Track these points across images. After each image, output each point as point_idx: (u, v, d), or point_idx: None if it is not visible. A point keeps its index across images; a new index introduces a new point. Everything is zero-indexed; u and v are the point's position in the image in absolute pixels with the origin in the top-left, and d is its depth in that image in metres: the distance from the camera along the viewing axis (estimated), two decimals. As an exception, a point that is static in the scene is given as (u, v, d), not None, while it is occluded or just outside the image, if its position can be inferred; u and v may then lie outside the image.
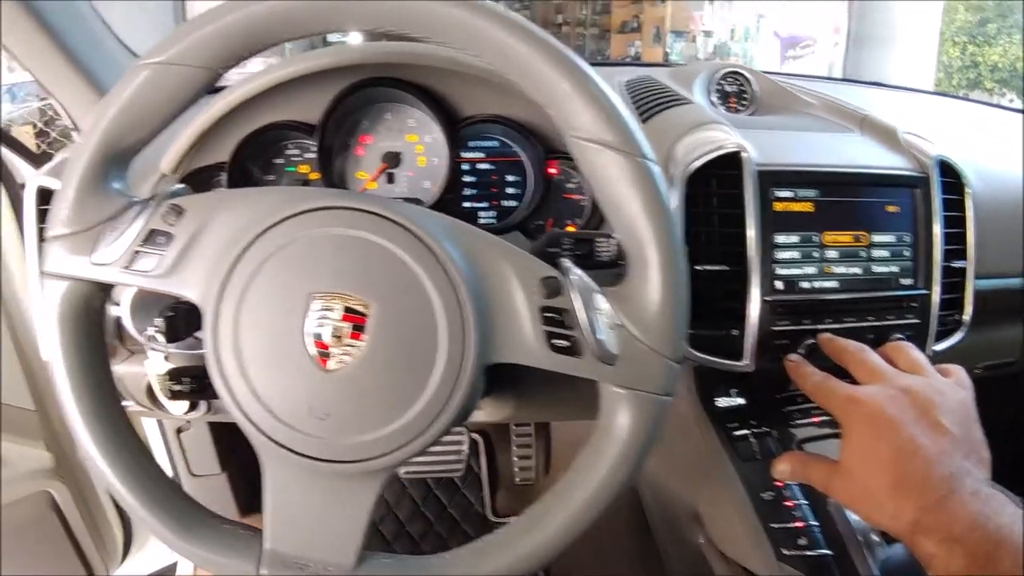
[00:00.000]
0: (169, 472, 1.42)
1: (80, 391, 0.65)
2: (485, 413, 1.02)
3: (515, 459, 1.80)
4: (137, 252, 0.62)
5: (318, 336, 0.59)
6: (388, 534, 1.73)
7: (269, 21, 0.60)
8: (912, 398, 0.72)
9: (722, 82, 1.21)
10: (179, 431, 1.40)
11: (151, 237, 0.63)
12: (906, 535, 0.67)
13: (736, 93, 1.21)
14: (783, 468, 0.80)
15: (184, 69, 0.61)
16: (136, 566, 1.67)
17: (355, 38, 1.48)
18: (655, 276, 0.61)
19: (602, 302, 0.61)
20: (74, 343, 0.65)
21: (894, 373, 0.76)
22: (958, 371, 0.80)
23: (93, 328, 0.67)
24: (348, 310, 0.59)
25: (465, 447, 1.67)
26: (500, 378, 0.98)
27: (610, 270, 0.68)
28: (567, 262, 0.63)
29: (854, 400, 0.73)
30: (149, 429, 1.43)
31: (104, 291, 0.67)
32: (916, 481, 0.66)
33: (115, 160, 0.64)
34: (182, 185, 0.69)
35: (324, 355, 0.59)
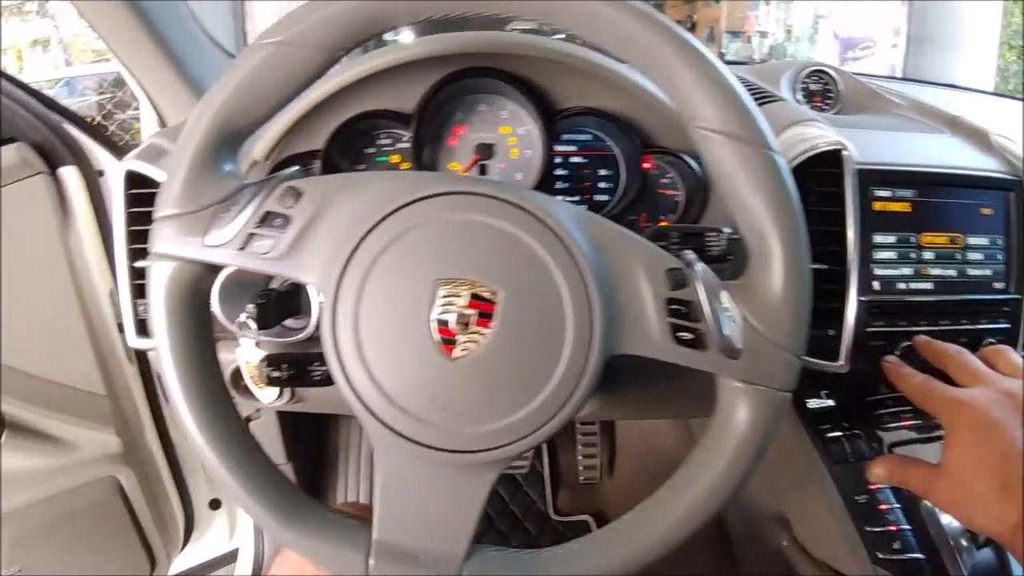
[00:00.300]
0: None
1: (186, 374, 0.64)
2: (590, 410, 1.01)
3: (580, 458, 1.79)
4: (252, 234, 0.62)
5: (443, 323, 0.58)
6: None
7: (392, 4, 0.60)
8: (1016, 402, 0.71)
9: (807, 80, 1.20)
10: (247, 420, 1.41)
11: (267, 219, 0.62)
12: (1009, 538, 0.66)
13: (821, 92, 1.20)
14: (879, 472, 0.79)
15: (303, 51, 0.61)
16: (196, 553, 1.68)
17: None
18: (778, 270, 0.60)
19: (724, 294, 0.60)
20: (181, 325, 0.64)
21: (996, 377, 0.75)
22: None
23: (200, 310, 0.66)
24: (475, 297, 0.58)
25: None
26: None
27: (722, 264, 0.67)
28: (691, 255, 0.62)
29: (959, 402, 0.72)
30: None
31: (213, 273, 0.66)
32: (1020, 484, 0.66)
33: (228, 141, 0.64)
34: (296, 168, 0.69)
35: (449, 342, 0.58)
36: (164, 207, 0.63)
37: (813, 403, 0.94)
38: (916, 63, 2.04)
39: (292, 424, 1.46)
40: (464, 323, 0.58)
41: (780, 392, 0.61)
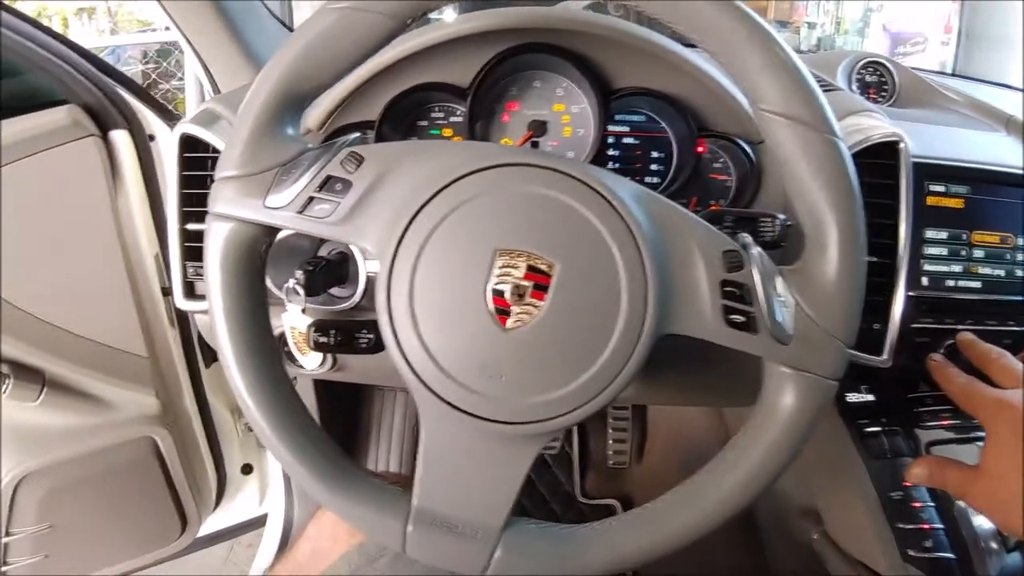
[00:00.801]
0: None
1: (239, 335, 0.65)
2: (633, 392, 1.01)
3: (610, 442, 1.80)
4: (312, 198, 0.62)
5: (499, 293, 0.59)
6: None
7: None
8: None
9: (863, 71, 1.18)
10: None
11: (328, 183, 0.63)
12: None
13: (876, 84, 1.19)
14: (919, 472, 0.78)
15: (372, 16, 0.61)
16: (227, 516, 1.71)
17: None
18: (834, 257, 0.60)
19: (779, 279, 0.60)
20: (236, 286, 0.65)
21: None
22: None
23: (256, 272, 0.67)
24: (531, 268, 0.59)
25: (563, 425, 1.67)
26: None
27: (775, 251, 0.67)
28: (747, 238, 0.62)
29: (1000, 404, 0.72)
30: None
31: (271, 236, 0.67)
32: None
33: (292, 105, 0.64)
34: (358, 134, 0.69)
35: (503, 313, 0.59)
36: (225, 168, 0.63)
37: (853, 397, 0.93)
38: (968, 60, 2.01)
39: (327, 394, 1.47)
40: (519, 294, 0.59)
41: (828, 380, 0.61)
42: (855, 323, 0.61)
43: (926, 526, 0.83)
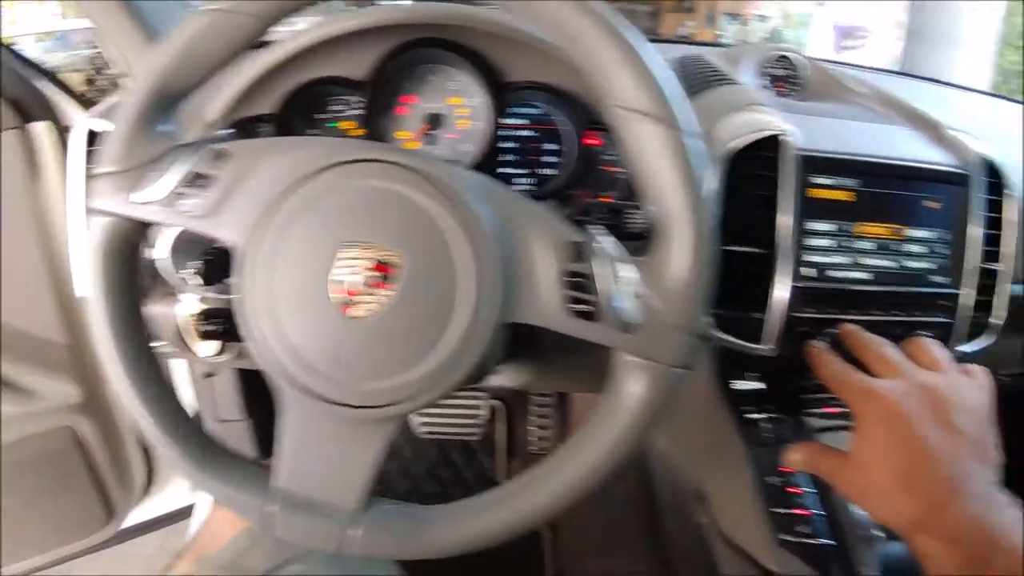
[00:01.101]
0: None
1: (113, 324, 0.68)
2: (506, 378, 1.04)
3: (532, 428, 1.82)
4: (180, 193, 0.64)
5: (346, 283, 0.61)
6: (401, 492, 1.75)
7: None
8: (928, 395, 0.72)
9: (772, 65, 1.19)
10: (207, 376, 1.42)
11: (195, 179, 0.64)
12: (906, 532, 0.67)
13: (786, 77, 1.20)
14: (796, 458, 0.80)
15: (240, 18, 0.63)
16: (156, 506, 1.71)
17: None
18: (682, 250, 0.61)
19: (625, 270, 0.61)
20: (109, 277, 0.67)
21: (913, 369, 0.76)
22: (979, 372, 0.79)
23: (128, 265, 0.69)
24: (376, 260, 0.61)
25: (483, 412, 1.69)
26: (525, 344, 0.99)
27: (641, 241, 0.68)
28: (597, 229, 0.64)
29: (870, 393, 0.73)
30: (179, 373, 1.46)
31: (143, 230, 0.69)
32: (922, 480, 0.67)
33: (165, 103, 0.66)
34: (228, 131, 0.71)
35: (350, 302, 0.61)
36: (102, 164, 0.65)
37: (740, 385, 0.94)
38: (913, 56, 2.05)
39: (250, 382, 1.48)
40: (365, 284, 0.61)
41: (675, 369, 0.62)
42: (702, 314, 0.63)
43: (803, 512, 0.85)
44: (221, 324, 0.86)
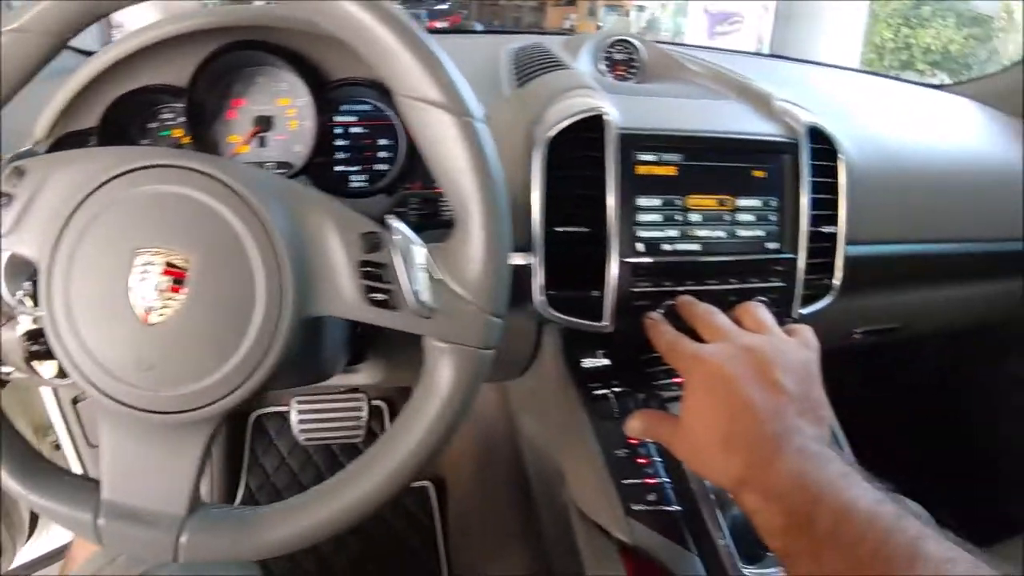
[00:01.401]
0: (66, 442, 1.42)
1: None
2: (362, 376, 1.04)
3: None
4: None
5: (141, 290, 0.61)
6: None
7: None
8: (752, 356, 0.74)
9: (611, 50, 1.22)
10: (75, 401, 1.40)
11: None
12: (733, 491, 0.69)
13: (625, 61, 1.22)
14: (634, 425, 0.82)
15: (33, 36, 0.63)
16: (41, 544, 1.66)
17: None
18: (477, 233, 0.63)
19: (421, 256, 0.62)
20: None
21: (738, 332, 0.79)
22: (804, 331, 0.82)
23: None
24: (169, 264, 0.61)
25: (364, 412, 1.68)
26: (379, 342, 1.00)
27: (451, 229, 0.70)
28: (392, 219, 0.65)
29: (696, 358, 0.76)
30: (48, 399, 1.42)
31: None
32: (746, 438, 0.68)
33: None
34: (28, 148, 0.70)
35: (148, 309, 0.61)
36: None
37: (588, 362, 0.96)
38: (783, 37, 2.10)
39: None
40: (160, 290, 0.61)
41: (480, 351, 0.65)
42: (501, 296, 0.65)
43: (651, 480, 0.87)
44: (44, 343, 0.85)
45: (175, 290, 0.60)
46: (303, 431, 1.68)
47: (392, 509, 1.78)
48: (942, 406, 1.95)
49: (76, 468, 1.44)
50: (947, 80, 1.70)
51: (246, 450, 1.79)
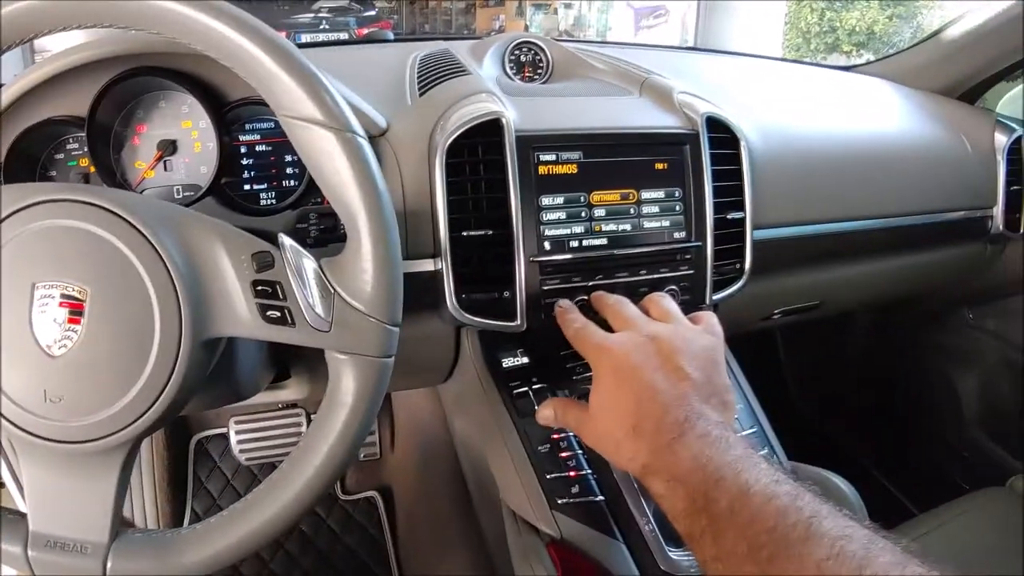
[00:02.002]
0: (8, 480, 1.41)
1: None
2: (290, 392, 1.05)
3: None
4: None
5: (42, 323, 0.62)
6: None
7: None
8: (657, 345, 0.76)
9: (517, 52, 1.24)
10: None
11: None
12: (639, 476, 0.71)
13: (531, 63, 1.24)
14: (545, 413, 0.85)
15: None
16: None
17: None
18: (367, 245, 0.65)
19: (312, 272, 0.64)
20: None
21: (645, 321, 0.81)
22: (708, 317, 0.85)
23: None
24: (65, 296, 0.61)
25: (303, 427, 1.68)
26: (302, 357, 1.00)
27: None
28: (284, 237, 0.66)
29: (602, 347, 0.78)
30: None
31: None
32: (650, 425, 0.70)
33: None
34: None
35: (50, 341, 0.62)
36: None
37: (508, 362, 0.98)
38: (707, 28, 2.13)
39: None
40: (59, 322, 0.61)
41: (380, 359, 0.66)
42: (393, 304, 0.67)
43: (573, 473, 0.88)
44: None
45: (74, 321, 0.61)
46: (243, 451, 1.67)
47: (341, 522, 1.78)
48: (874, 377, 2.00)
49: (20, 504, 1.42)
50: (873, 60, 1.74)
51: (190, 475, 1.78)
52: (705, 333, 0.82)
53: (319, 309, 0.63)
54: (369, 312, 0.65)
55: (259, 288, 0.64)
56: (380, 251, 0.65)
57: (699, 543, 0.63)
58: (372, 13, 8.65)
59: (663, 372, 0.74)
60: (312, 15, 8.68)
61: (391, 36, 1.43)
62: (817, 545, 0.55)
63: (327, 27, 8.49)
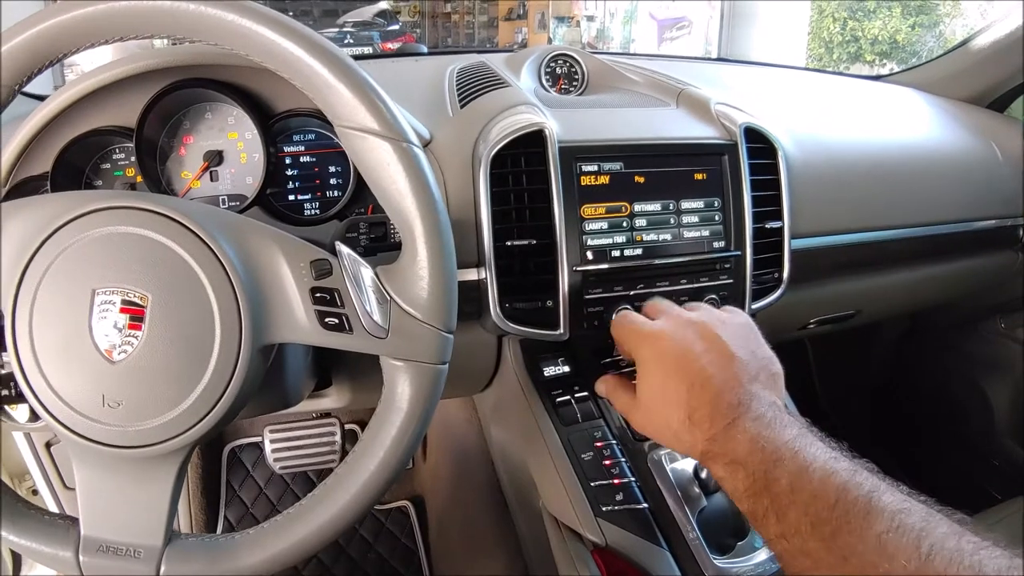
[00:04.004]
0: (43, 488, 1.42)
1: None
2: (330, 400, 1.06)
3: None
4: None
5: (102, 329, 0.62)
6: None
7: (49, 37, 0.64)
8: (697, 329, 0.77)
9: (552, 64, 1.25)
10: (48, 445, 1.40)
11: None
12: (701, 460, 0.72)
13: (567, 75, 1.25)
14: (600, 387, 0.88)
15: None
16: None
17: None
18: (423, 252, 0.66)
19: (369, 279, 0.65)
20: None
21: (679, 310, 0.82)
22: (733, 308, 0.86)
23: None
24: (126, 302, 0.62)
25: (337, 437, 1.69)
26: (344, 366, 1.01)
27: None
28: (341, 246, 0.67)
29: (646, 334, 0.79)
30: (22, 445, 1.42)
31: None
32: (705, 412, 0.71)
33: None
34: None
35: (110, 347, 0.63)
36: None
37: (549, 371, 0.99)
38: (731, 39, 2.14)
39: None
40: (119, 328, 0.62)
41: (435, 366, 0.67)
42: (449, 312, 0.68)
43: (616, 481, 0.89)
44: (14, 388, 0.86)
45: (134, 327, 0.62)
46: (277, 460, 1.68)
47: (373, 531, 1.79)
48: (904, 385, 1.99)
49: (53, 509, 1.44)
50: (896, 69, 1.74)
51: (223, 483, 1.79)
52: (737, 314, 0.83)
53: (376, 316, 0.64)
54: (425, 319, 0.66)
55: (317, 295, 0.65)
56: (436, 258, 0.66)
57: (763, 522, 0.64)
58: (396, 27, 8.70)
59: (710, 356, 0.74)
60: (337, 29, 8.75)
61: (424, 49, 1.45)
62: (878, 519, 0.56)
63: (351, 41, 8.55)
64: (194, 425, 0.64)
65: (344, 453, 1.75)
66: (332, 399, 1.08)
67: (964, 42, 1.64)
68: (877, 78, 1.80)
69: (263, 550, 0.68)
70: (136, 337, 0.62)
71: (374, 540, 1.77)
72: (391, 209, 0.66)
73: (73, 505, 0.68)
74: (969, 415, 1.83)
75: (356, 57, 0.90)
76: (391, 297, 0.66)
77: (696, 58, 1.93)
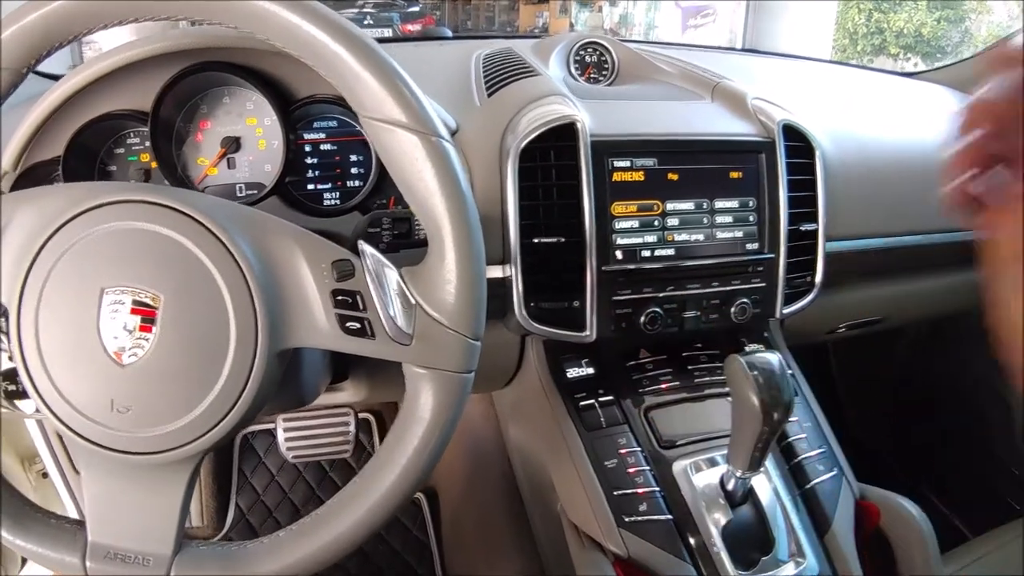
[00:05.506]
0: (53, 471, 1.40)
1: None
2: (346, 395, 1.03)
3: None
4: None
5: (112, 330, 0.59)
6: (283, 519, 1.72)
7: (62, 17, 0.61)
8: None
9: (581, 52, 1.21)
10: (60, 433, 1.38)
11: None
12: None
13: (596, 63, 1.22)
14: None
15: None
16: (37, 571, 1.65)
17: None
18: (451, 254, 0.62)
19: (394, 282, 0.61)
20: None
21: None
22: None
23: None
24: (137, 303, 0.59)
25: (351, 427, 1.67)
26: (361, 361, 0.98)
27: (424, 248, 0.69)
28: (364, 245, 0.64)
29: None
30: (33, 429, 1.41)
31: None
32: None
33: None
34: None
35: (120, 349, 0.59)
36: None
37: (572, 372, 0.95)
38: (756, 28, 2.10)
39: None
40: (129, 330, 0.59)
41: (460, 374, 0.64)
42: (477, 318, 0.64)
43: (641, 491, 0.86)
44: (21, 384, 0.84)
45: (145, 329, 0.59)
46: (290, 448, 1.66)
47: (387, 526, 1.77)
48: (926, 391, 1.96)
49: (64, 496, 1.42)
50: (921, 63, 1.69)
51: (234, 470, 1.77)
52: None
53: (400, 321, 0.61)
54: (452, 325, 0.62)
55: (339, 298, 0.61)
56: (465, 262, 0.62)
57: None
58: (416, 9, 8.68)
59: None
60: (356, 10, 8.73)
61: (449, 33, 1.41)
62: None
63: (371, 22, 8.53)
64: (206, 432, 0.61)
65: (358, 443, 1.74)
66: (348, 393, 1.05)
67: (1000, 42, 1.59)
68: (910, 75, 1.75)
69: (277, 560, 0.65)
70: (147, 340, 0.59)
71: (387, 533, 1.74)
72: (418, 206, 0.63)
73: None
74: (991, 424, 1.79)
75: (377, 40, 0.87)
76: (416, 301, 0.62)
77: (725, 48, 1.88)
